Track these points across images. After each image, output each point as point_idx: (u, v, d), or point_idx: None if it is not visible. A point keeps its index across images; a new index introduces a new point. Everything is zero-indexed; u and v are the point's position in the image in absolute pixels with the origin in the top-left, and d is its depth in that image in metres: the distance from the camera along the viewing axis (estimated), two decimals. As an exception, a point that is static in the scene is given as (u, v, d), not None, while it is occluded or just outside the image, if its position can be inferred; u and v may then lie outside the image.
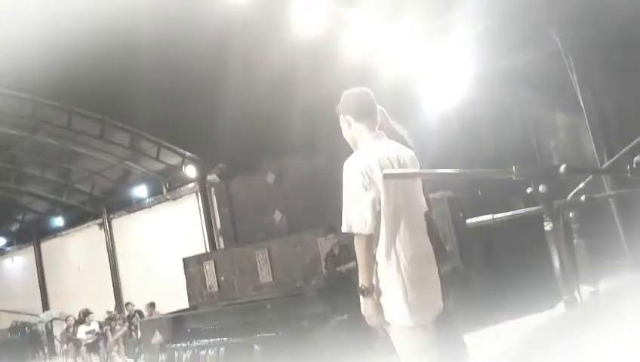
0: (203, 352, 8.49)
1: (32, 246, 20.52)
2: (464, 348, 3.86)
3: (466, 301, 7.10)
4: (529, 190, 1.88)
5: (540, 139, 9.74)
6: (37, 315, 18.69)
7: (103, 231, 18.01)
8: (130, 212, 17.45)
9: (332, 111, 3.44)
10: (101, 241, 17.97)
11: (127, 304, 14.88)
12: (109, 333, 13.80)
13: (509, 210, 2.78)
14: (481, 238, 8.29)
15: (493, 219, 2.72)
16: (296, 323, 7.91)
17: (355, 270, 3.14)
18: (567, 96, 8.41)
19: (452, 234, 8.05)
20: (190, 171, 14.87)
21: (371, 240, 2.94)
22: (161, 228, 16.25)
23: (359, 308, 3.09)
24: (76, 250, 19.29)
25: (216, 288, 12.22)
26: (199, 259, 12.80)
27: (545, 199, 1.87)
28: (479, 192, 8.87)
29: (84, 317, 14.04)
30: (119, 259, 17.76)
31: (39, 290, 20.13)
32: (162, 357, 9.21)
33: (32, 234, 20.34)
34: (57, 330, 16.95)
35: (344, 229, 2.99)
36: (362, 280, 2.97)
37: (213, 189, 14.86)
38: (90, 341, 13.59)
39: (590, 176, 2.67)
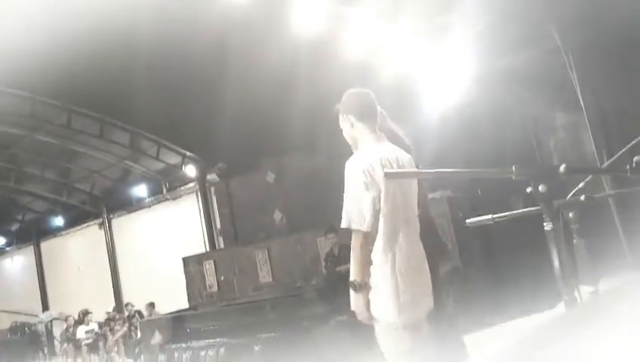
0: (203, 352, 8.47)
1: (31, 246, 20.53)
2: (463, 348, 3.86)
3: (465, 301, 7.10)
4: (529, 190, 1.88)
5: (540, 139, 9.73)
6: (37, 315, 18.68)
7: (102, 230, 18.02)
8: (130, 211, 17.46)
9: (332, 111, 3.43)
10: (101, 241, 17.98)
11: (127, 304, 14.87)
12: (109, 333, 13.80)
13: (509, 210, 2.78)
14: (480, 238, 8.28)
15: (492, 218, 2.72)
16: (296, 323, 7.90)
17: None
18: (566, 95, 8.40)
19: (452, 234, 8.04)
20: (190, 170, 14.88)
21: (368, 237, 2.98)
22: (161, 227, 16.26)
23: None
24: (76, 250, 19.30)
25: (216, 288, 12.22)
26: (199, 259, 12.80)
27: (544, 199, 1.87)
28: (479, 192, 8.86)
29: (83, 317, 14.04)
30: (119, 259, 17.76)
31: (39, 290, 20.15)
32: (162, 357, 9.19)
33: (31, 234, 20.34)
34: (57, 330, 16.93)
35: (343, 225, 3.03)
36: (355, 276, 3.00)
37: (213, 189, 14.85)
38: (89, 341, 13.59)
39: (590, 176, 2.67)
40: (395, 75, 8.46)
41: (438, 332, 3.25)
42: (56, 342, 17.19)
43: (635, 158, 2.13)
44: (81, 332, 13.77)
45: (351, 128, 3.23)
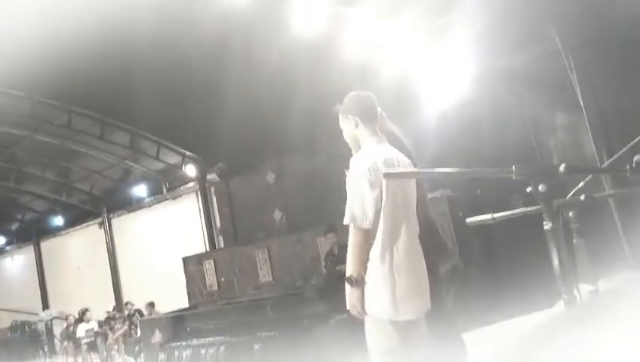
0: (203, 351, 8.48)
1: (31, 246, 20.54)
2: (463, 346, 3.88)
3: (465, 299, 7.12)
4: (529, 189, 1.89)
5: (540, 139, 9.73)
6: (37, 314, 18.70)
7: (102, 230, 18.02)
8: (130, 211, 17.46)
9: (332, 111, 3.46)
10: (101, 240, 17.98)
11: (127, 303, 14.87)
12: (109, 332, 13.81)
13: (509, 209, 2.79)
14: (480, 237, 8.29)
15: (492, 218, 2.73)
16: (296, 322, 7.91)
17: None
18: (566, 95, 8.40)
19: (452, 233, 8.04)
20: (190, 170, 14.88)
21: (369, 235, 3.03)
22: (160, 227, 16.26)
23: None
24: (76, 249, 19.30)
25: (216, 287, 12.22)
26: (199, 259, 12.80)
27: (544, 198, 1.88)
28: (479, 191, 8.87)
29: (82, 315, 14.05)
30: (119, 259, 17.76)
31: (39, 289, 20.15)
32: (162, 356, 9.20)
33: (31, 234, 20.35)
34: (57, 329, 16.96)
35: (346, 221, 3.08)
36: (352, 271, 3.05)
37: (213, 188, 14.86)
38: (89, 339, 13.59)
39: (590, 176, 2.68)
40: (395, 75, 8.46)
41: (437, 331, 3.26)
42: (56, 341, 17.21)
43: (635, 158, 2.14)
44: (81, 330, 13.78)
45: (354, 128, 3.28)
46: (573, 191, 2.61)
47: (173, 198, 16.24)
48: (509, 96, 9.17)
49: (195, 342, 8.81)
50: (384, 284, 2.99)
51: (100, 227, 18.13)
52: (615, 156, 2.64)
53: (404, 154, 3.34)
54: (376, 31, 8.49)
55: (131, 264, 17.12)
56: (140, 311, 13.93)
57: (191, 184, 15.52)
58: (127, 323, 13.73)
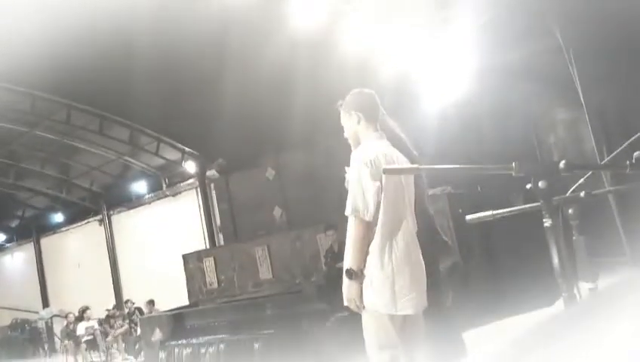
0: (203, 349, 8.48)
1: (31, 243, 20.53)
2: (462, 344, 3.87)
3: (465, 297, 7.09)
4: (529, 186, 1.87)
5: (540, 135, 9.71)
6: (37, 312, 18.70)
7: (102, 227, 18.02)
8: (129, 208, 17.46)
9: (332, 107, 3.46)
10: (101, 238, 17.98)
11: (127, 301, 14.88)
12: (109, 330, 13.82)
13: (509, 206, 2.77)
14: (480, 234, 8.28)
15: (492, 215, 2.71)
16: (296, 319, 7.90)
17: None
18: (567, 91, 8.38)
19: (451, 230, 8.03)
20: (190, 167, 14.87)
21: (370, 227, 3.06)
22: (160, 224, 16.25)
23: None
24: (76, 247, 19.30)
25: (216, 285, 12.22)
26: (199, 256, 12.79)
27: (544, 195, 1.87)
28: (479, 188, 8.85)
29: (82, 313, 14.05)
30: (119, 256, 17.77)
31: (39, 287, 20.15)
32: (162, 354, 9.20)
33: (31, 231, 20.34)
34: (57, 327, 16.95)
35: (347, 212, 3.11)
36: (351, 264, 3.07)
37: (212, 185, 14.85)
38: (89, 337, 13.60)
39: (590, 172, 2.66)
40: (396, 71, 8.44)
41: (436, 329, 3.25)
42: (56, 339, 17.20)
43: (635, 154, 2.12)
44: (81, 328, 13.78)
45: (356, 125, 3.31)
46: (573, 187, 2.59)
47: (173, 195, 16.23)
48: (510, 91, 9.14)
49: (194, 340, 8.80)
50: (383, 278, 3.01)
51: (100, 224, 18.12)
52: (615, 152, 2.62)
53: (404, 152, 3.36)
54: (376, 27, 8.46)
55: (131, 261, 17.12)
56: (140, 309, 13.95)
57: (190, 180, 15.51)
58: (127, 321, 13.75)
